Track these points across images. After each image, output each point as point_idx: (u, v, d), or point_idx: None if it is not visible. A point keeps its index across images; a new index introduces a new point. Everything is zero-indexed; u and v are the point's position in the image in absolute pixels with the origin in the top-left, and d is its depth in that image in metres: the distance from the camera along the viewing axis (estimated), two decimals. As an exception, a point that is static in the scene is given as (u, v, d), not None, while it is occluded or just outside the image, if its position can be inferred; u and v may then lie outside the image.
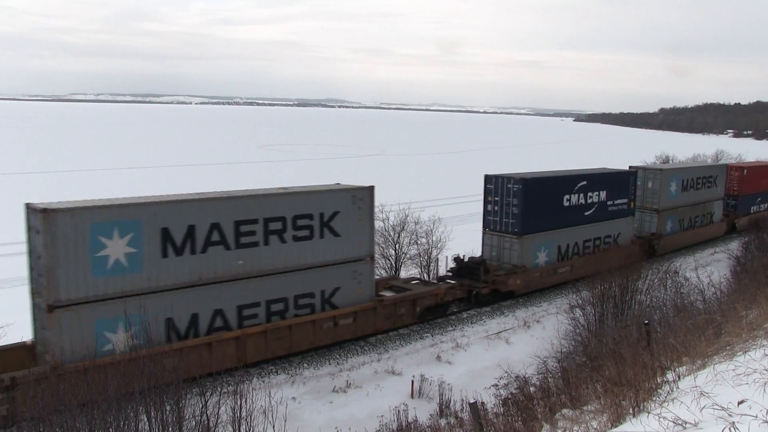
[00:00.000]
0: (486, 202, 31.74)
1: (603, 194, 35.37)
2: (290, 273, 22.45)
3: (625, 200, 37.31)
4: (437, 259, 33.65)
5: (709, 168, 47.92)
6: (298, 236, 22.46)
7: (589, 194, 34.48)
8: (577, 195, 33.61)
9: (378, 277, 29.58)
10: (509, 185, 30.85)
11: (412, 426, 17.27)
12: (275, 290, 22.15)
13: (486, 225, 32.10)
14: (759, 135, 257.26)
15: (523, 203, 30.55)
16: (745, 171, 51.05)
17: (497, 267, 31.41)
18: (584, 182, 34.16)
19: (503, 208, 31.11)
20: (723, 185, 48.32)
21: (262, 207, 21.57)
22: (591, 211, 34.85)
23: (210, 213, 20.31)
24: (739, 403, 6.88)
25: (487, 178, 31.88)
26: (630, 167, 41.51)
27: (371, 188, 24.87)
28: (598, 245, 35.77)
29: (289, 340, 22.45)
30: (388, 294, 26.66)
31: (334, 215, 23.36)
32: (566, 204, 33.08)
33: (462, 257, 31.55)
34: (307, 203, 22.75)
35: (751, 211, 52.26)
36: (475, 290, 29.72)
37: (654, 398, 8.99)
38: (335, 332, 23.83)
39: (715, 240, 47.59)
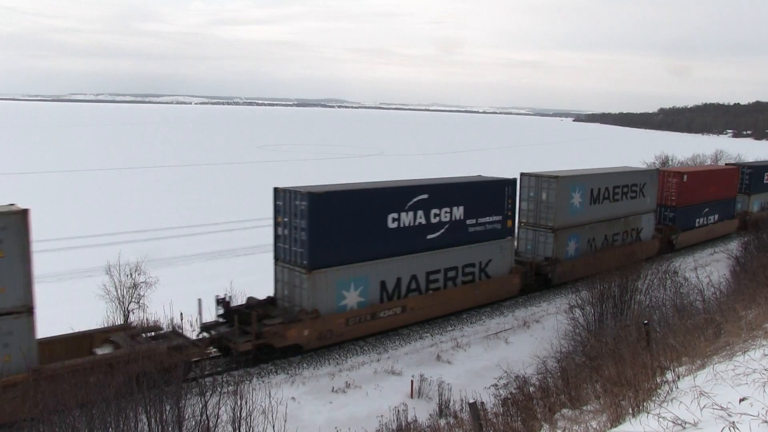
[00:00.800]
0: (276, 224, 24.38)
1: (458, 211, 27.65)
2: None
3: (498, 218, 29.55)
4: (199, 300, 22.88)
5: (632, 174, 38.97)
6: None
7: (434, 211, 26.58)
8: (411, 213, 25.72)
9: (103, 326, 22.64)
10: (296, 202, 23.20)
11: (412, 426, 17.26)
12: None
13: (276, 255, 24.56)
14: (758, 135, 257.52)
15: (313, 226, 22.79)
16: (686, 177, 43.00)
17: (284, 311, 23.87)
18: (424, 196, 26.14)
19: (292, 233, 23.56)
20: (654, 194, 40.48)
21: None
22: (438, 234, 26.98)
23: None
24: (741, 400, 6.88)
25: (276, 193, 24.19)
26: (522, 174, 33.68)
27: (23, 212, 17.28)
28: (454, 277, 28.08)
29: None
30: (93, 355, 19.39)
31: None
32: (393, 225, 25.09)
33: (226, 298, 23.84)
34: None
35: (696, 224, 44.70)
36: (233, 346, 21.64)
37: (653, 398, 8.99)
38: None
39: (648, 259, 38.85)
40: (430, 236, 26.72)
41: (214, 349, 22.93)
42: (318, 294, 23.22)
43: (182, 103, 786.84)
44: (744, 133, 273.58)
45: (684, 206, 42.95)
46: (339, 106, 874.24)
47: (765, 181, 54.36)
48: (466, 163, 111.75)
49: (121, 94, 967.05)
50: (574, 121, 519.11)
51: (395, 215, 25.23)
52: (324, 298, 23.39)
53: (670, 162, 79.76)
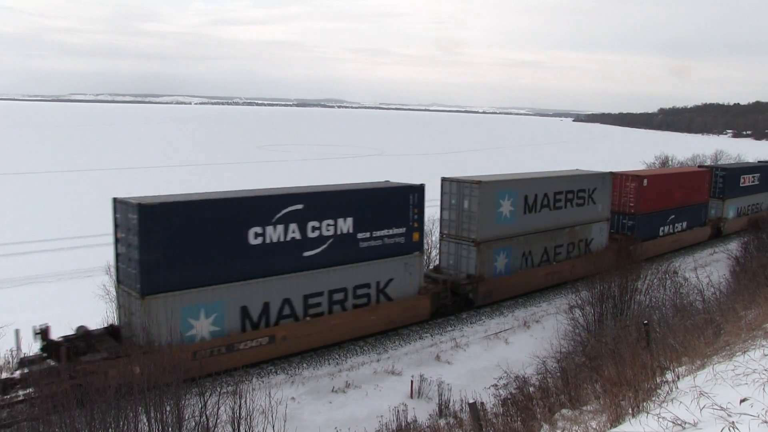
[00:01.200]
0: (116, 241, 20.87)
1: (346, 223, 23.83)
2: None
3: (401, 230, 25.71)
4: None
5: (577, 179, 34.72)
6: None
7: (311, 224, 22.85)
8: (281, 226, 22.06)
9: None
10: (129, 215, 19.81)
11: (412, 426, 17.27)
12: None
13: (117, 276, 21.33)
14: (758, 135, 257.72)
15: (146, 243, 19.41)
16: (646, 181, 38.83)
17: (121, 343, 19.91)
18: (297, 206, 22.44)
19: (128, 251, 20.19)
20: (607, 201, 36.55)
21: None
22: (318, 251, 23.14)
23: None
24: (741, 401, 6.88)
25: (114, 204, 20.65)
26: (442, 179, 30.09)
27: None
28: (342, 301, 24.22)
29: None
30: None
31: None
32: (256, 241, 21.52)
33: (43, 328, 19.28)
34: None
35: (660, 233, 40.81)
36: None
37: (653, 398, 9.00)
38: None
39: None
40: (307, 253, 22.94)
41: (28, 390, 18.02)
42: (155, 323, 18.96)
43: (182, 103, 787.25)
44: (744, 133, 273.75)
45: (644, 213, 38.91)
46: (339, 106, 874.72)
47: (742, 185, 50.34)
48: (466, 164, 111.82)
49: (121, 94, 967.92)
50: (574, 121, 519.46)
51: (259, 229, 21.54)
52: (164, 328, 18.43)
53: (669, 162, 79.52)
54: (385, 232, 25.27)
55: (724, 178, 48.09)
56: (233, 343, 21.04)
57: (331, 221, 23.44)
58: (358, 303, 24.73)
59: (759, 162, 60.77)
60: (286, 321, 22.69)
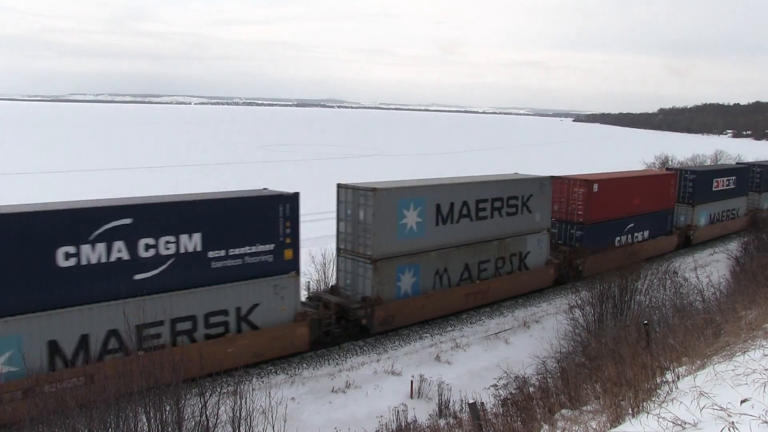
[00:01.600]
0: None
1: (192, 240, 20.33)
2: None
3: (268, 247, 22.06)
4: None
5: (507, 184, 30.14)
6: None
7: (144, 242, 19.35)
8: (102, 245, 18.60)
9: None
10: None
11: (412, 426, 17.27)
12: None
13: None
14: (758, 135, 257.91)
15: None
16: (596, 186, 34.40)
17: None
18: (124, 221, 19.00)
19: None
20: (547, 209, 32.20)
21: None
22: (155, 273, 19.69)
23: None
24: (742, 402, 6.88)
25: None
26: (338, 186, 26.07)
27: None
28: (190, 330, 20.62)
29: None
30: None
31: None
32: (67, 263, 18.07)
33: None
34: None
35: (616, 243, 36.72)
36: None
37: (653, 398, 9.00)
38: None
39: (541, 291, 32.68)
40: (140, 276, 19.31)
41: None
42: None
43: (182, 103, 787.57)
44: (744, 133, 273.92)
45: (595, 222, 34.77)
46: (338, 107, 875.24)
47: (715, 189, 46.21)
48: (465, 164, 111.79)
49: (121, 94, 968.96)
50: (573, 121, 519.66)
51: (71, 249, 18.02)
52: None
53: (669, 162, 79.42)
54: (245, 249, 21.59)
55: (694, 182, 44.12)
56: (35, 386, 16.31)
57: (171, 238, 19.92)
58: (211, 333, 21.01)
59: (738, 164, 57.83)
60: (114, 356, 18.71)
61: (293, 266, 22.83)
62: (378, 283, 25.07)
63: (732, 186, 48.37)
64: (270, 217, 22.09)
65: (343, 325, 24.99)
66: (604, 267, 30.16)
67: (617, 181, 37.22)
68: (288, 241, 22.55)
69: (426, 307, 27.02)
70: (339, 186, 26.04)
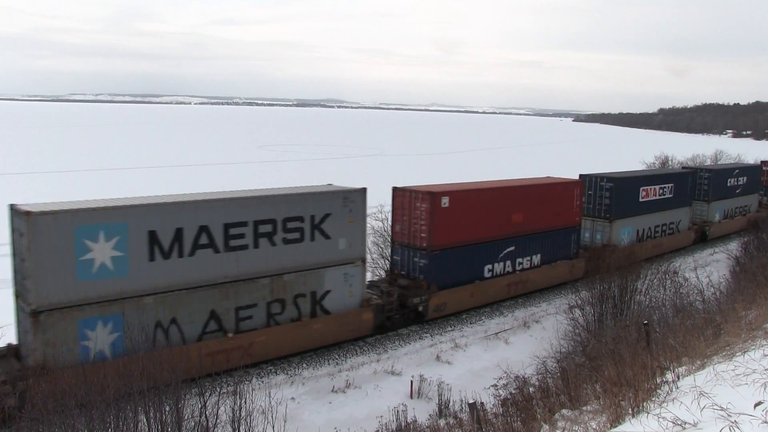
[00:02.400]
0: None
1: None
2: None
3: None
4: None
5: (286, 200, 22.20)
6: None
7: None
8: None
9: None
10: None
11: (411, 426, 17.27)
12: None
13: None
14: (758, 135, 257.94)
15: None
16: (446, 200, 26.57)
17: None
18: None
19: None
20: (358, 233, 24.21)
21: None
22: None
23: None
24: (756, 405, 6.83)
25: None
26: (10, 207, 18.28)
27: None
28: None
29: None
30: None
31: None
32: None
33: None
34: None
35: (486, 273, 28.86)
36: None
37: (653, 398, 8.99)
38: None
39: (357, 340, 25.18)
40: None
41: None
42: None
43: (182, 103, 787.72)
44: (744, 133, 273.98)
45: (445, 248, 26.91)
46: (338, 106, 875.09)
47: (642, 200, 38.54)
48: (465, 164, 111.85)
49: (121, 94, 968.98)
50: (573, 121, 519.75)
51: None
52: None
53: (669, 162, 78.90)
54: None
55: (612, 191, 36.01)
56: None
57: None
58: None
59: (683, 168, 54.46)
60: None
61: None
62: (44, 343, 17.36)
63: (669, 195, 42.79)
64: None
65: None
66: (458, 306, 27.55)
67: (481, 193, 28.80)
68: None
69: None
70: (10, 207, 18.26)
